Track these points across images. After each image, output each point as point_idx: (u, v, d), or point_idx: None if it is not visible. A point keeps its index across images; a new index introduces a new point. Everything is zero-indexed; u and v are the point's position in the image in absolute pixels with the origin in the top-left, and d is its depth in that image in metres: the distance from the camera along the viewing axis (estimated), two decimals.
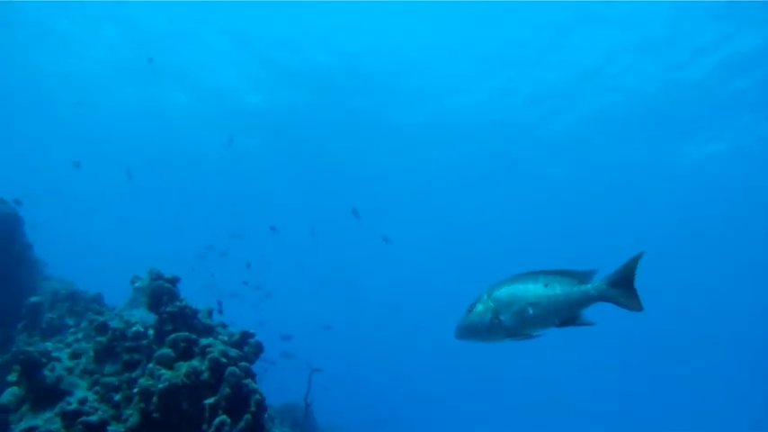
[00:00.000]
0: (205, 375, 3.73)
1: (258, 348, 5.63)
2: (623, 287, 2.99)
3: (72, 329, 7.64)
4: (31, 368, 4.93)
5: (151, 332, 5.06)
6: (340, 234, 37.13)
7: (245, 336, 5.60)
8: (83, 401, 4.83)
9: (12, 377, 5.19)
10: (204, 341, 3.94)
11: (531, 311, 3.06)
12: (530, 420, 33.74)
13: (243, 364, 3.84)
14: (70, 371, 5.15)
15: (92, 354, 5.13)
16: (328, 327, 26.74)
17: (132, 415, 3.78)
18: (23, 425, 4.87)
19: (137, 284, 5.57)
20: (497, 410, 36.40)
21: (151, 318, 5.24)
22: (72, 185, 34.83)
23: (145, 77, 22.97)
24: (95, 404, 4.80)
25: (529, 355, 40.67)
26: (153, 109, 25.35)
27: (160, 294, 5.07)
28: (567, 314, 3.08)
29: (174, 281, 5.37)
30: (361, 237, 34.22)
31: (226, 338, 5.67)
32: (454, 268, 39.09)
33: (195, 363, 3.79)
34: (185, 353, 3.91)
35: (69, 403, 4.85)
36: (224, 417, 3.54)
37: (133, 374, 4.88)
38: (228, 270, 19.10)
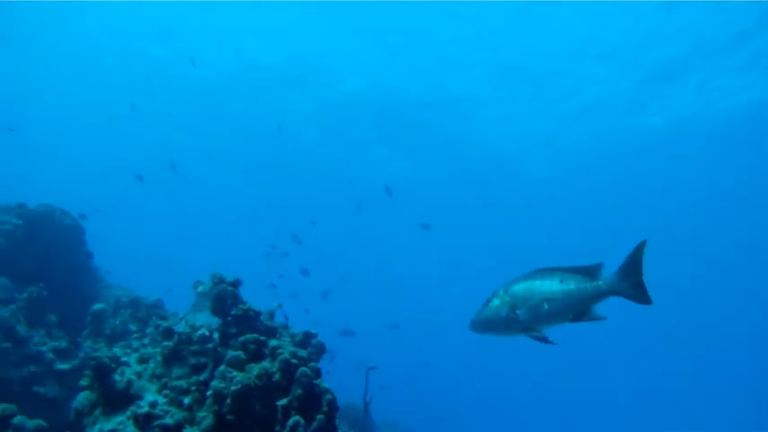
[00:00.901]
0: (276, 377, 3.75)
1: (321, 349, 5.65)
2: (632, 281, 3.04)
3: (135, 335, 7.81)
4: (103, 373, 5.03)
5: (216, 335, 5.11)
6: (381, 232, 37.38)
7: (308, 336, 5.63)
8: (153, 405, 4.91)
9: (84, 382, 5.31)
10: (273, 343, 3.96)
11: (546, 306, 3.13)
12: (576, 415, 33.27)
13: (312, 364, 3.86)
14: (139, 375, 5.23)
15: (159, 358, 5.21)
16: (395, 326, 26.24)
17: (206, 417, 3.82)
18: (97, 428, 4.99)
19: (199, 289, 5.64)
20: (543, 407, 36.01)
21: (215, 321, 5.30)
22: (134, 194, 36.02)
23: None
24: (166, 407, 4.88)
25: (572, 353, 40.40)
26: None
27: (224, 298, 5.12)
28: (580, 309, 3.15)
29: (237, 284, 5.42)
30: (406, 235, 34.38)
31: (288, 340, 5.72)
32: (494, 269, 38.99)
33: (266, 364, 3.82)
34: (255, 355, 3.94)
35: (140, 407, 4.94)
36: (297, 417, 3.55)
37: (201, 377, 4.94)
38: (289, 270, 19.38)
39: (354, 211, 26.69)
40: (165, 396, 4.94)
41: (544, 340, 3.22)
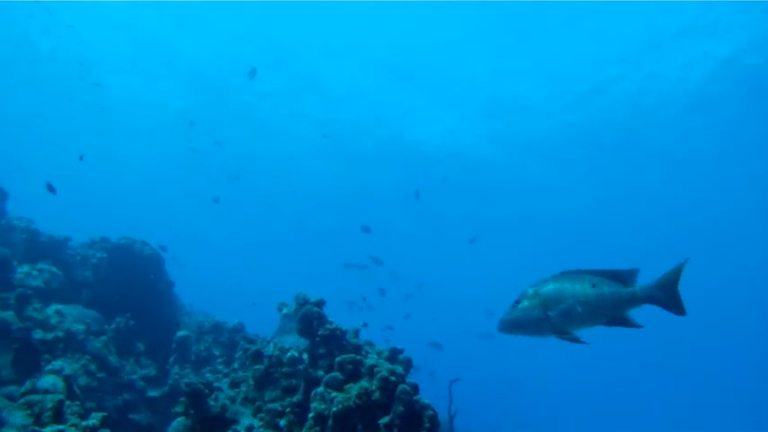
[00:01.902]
0: (376, 395, 3.74)
1: (408, 364, 5.62)
2: (669, 292, 3.09)
3: (219, 359, 7.96)
4: (197, 399, 5.11)
5: (306, 356, 5.15)
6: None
7: (395, 352, 5.61)
8: (249, 428, 4.97)
9: (178, 408, 5.42)
10: (370, 361, 3.95)
11: (579, 309, 3.13)
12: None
13: (411, 381, 3.83)
14: (233, 399, 5.31)
15: (251, 381, 5.27)
16: (488, 336, 25.77)
17: None
18: None
19: (284, 311, 5.70)
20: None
21: (303, 342, 5.34)
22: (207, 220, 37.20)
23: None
24: (261, 430, 4.94)
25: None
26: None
27: (310, 319, 5.15)
28: (613, 314, 3.17)
29: (321, 304, 5.45)
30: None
31: (375, 356, 5.72)
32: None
33: (365, 383, 3.81)
34: (353, 374, 3.95)
35: (236, 431, 5.02)
36: None
37: (294, 399, 4.98)
38: (368, 285, 19.63)
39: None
40: (261, 419, 4.99)
41: (576, 341, 3.24)
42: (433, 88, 21.78)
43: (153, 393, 7.65)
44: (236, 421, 5.07)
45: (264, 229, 42.19)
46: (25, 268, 7.86)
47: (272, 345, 5.40)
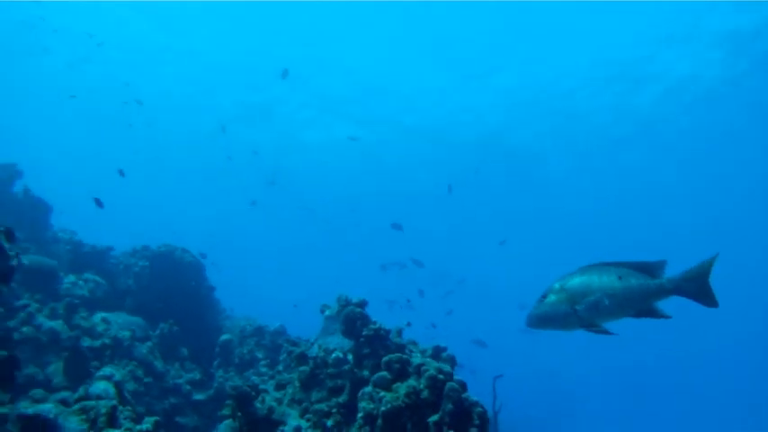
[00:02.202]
0: (425, 393, 3.73)
1: (452, 362, 5.61)
2: (698, 283, 3.08)
3: (263, 362, 8.03)
4: (244, 401, 5.17)
5: (350, 357, 5.16)
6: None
7: (438, 350, 5.60)
8: (297, 429, 5.01)
9: (225, 411, 5.48)
10: (416, 360, 3.95)
11: (606, 302, 3.13)
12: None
13: (458, 378, 3.82)
14: (279, 401, 5.35)
15: (297, 383, 5.31)
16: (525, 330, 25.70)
17: None
18: None
19: (326, 313, 5.73)
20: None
21: (347, 343, 5.36)
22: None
23: None
24: (309, 431, 4.97)
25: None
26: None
27: (353, 320, 5.17)
28: (641, 306, 3.16)
29: (363, 304, 5.47)
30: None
31: (419, 355, 5.72)
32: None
33: (413, 382, 3.81)
34: (401, 373, 3.95)
35: None
36: None
37: (340, 399, 5.00)
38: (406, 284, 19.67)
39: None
40: (308, 420, 5.02)
41: (604, 332, 3.25)
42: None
43: (198, 397, 7.75)
44: (283, 422, 5.11)
45: (301, 233, 42.55)
46: (71, 278, 8.02)
47: (316, 346, 5.43)
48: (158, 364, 7.55)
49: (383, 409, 3.73)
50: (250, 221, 39.56)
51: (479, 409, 3.71)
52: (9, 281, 4.12)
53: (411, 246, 29.46)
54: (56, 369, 6.53)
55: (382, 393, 3.84)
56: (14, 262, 4.07)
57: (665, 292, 3.14)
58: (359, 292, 5.90)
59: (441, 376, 3.75)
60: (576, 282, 3.22)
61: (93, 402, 3.73)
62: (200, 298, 8.77)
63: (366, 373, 5.15)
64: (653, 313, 3.19)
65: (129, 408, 4.36)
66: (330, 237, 41.32)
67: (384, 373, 3.97)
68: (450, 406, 3.65)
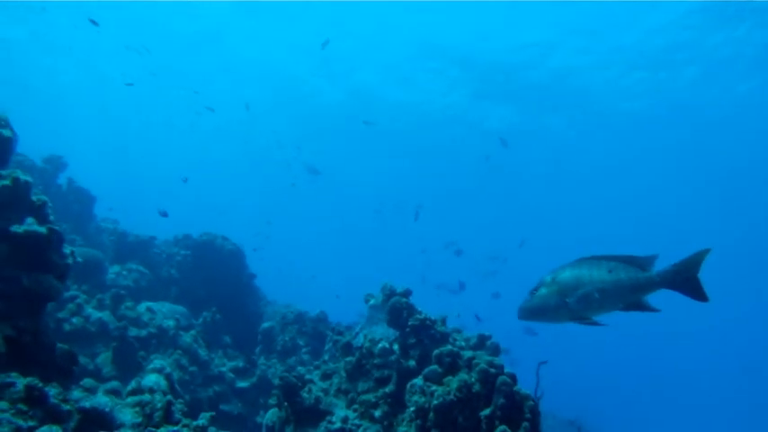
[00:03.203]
0: (476, 387, 3.72)
1: (496, 350, 5.58)
2: (688, 277, 3.10)
3: (304, 349, 8.09)
4: (291, 392, 5.22)
5: (396, 347, 5.17)
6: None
7: (482, 338, 5.58)
8: (345, 420, 5.04)
9: (272, 400, 5.55)
10: (467, 354, 3.94)
11: (597, 296, 3.18)
12: None
13: (509, 371, 3.79)
14: (326, 392, 5.39)
15: (343, 374, 5.33)
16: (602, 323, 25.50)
17: (408, 431, 3.86)
18: None
19: (371, 302, 5.74)
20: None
21: (391, 333, 5.37)
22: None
23: None
24: (357, 421, 4.99)
25: None
26: None
27: (399, 310, 5.17)
28: (630, 299, 3.22)
29: (407, 294, 5.46)
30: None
31: (463, 344, 5.69)
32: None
33: (464, 376, 3.79)
34: (452, 367, 3.94)
35: (332, 422, 5.09)
36: (504, 427, 3.49)
37: (387, 389, 5.01)
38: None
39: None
40: (355, 410, 5.05)
41: (594, 324, 3.31)
42: None
43: (242, 384, 7.85)
44: (330, 413, 5.15)
45: (340, 221, 42.86)
46: (115, 268, 8.16)
47: (361, 336, 5.44)
48: (202, 353, 7.66)
49: (435, 402, 3.73)
50: (291, 209, 39.94)
51: (530, 402, 3.69)
52: (65, 279, 4.20)
53: (455, 231, 29.44)
54: (105, 359, 6.67)
55: (434, 387, 3.83)
56: (70, 260, 4.14)
57: (654, 285, 3.18)
58: (399, 277, 5.90)
59: (492, 370, 3.73)
60: (567, 275, 3.28)
61: (148, 397, 3.79)
62: (241, 285, 8.86)
63: (412, 363, 5.15)
64: (642, 306, 3.25)
65: (182, 401, 4.42)
66: (369, 224, 41.47)
67: (435, 366, 3.96)
68: (501, 400, 3.63)
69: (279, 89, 24.74)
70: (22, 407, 3.21)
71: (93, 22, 12.20)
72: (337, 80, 23.47)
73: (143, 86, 23.93)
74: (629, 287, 3.18)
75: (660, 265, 3.21)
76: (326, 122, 27.36)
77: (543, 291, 3.32)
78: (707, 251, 3.09)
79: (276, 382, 6.04)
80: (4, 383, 3.25)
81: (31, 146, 8.68)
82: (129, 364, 6.61)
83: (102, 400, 4.03)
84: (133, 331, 7.02)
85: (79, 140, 34.79)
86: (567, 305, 3.24)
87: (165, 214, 8.90)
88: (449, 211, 34.44)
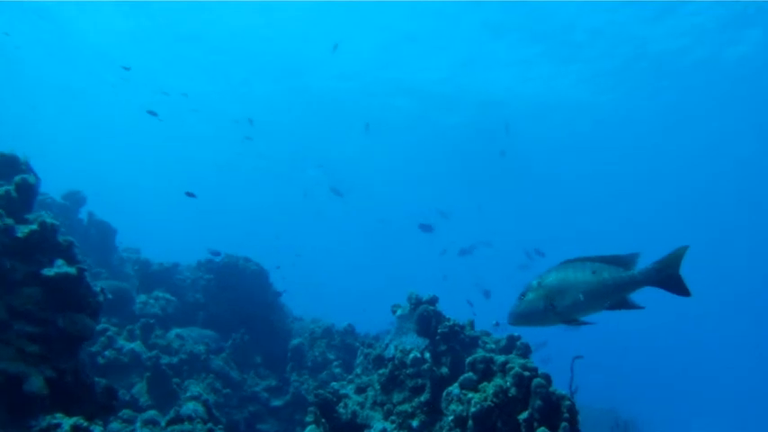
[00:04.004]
0: (512, 391, 3.74)
1: (526, 350, 5.59)
2: (669, 273, 3.20)
3: (335, 363, 8.13)
4: (327, 408, 5.26)
5: (428, 355, 5.19)
6: None
7: (512, 340, 5.59)
8: None
9: (308, 418, 5.58)
10: (499, 358, 3.96)
11: (582, 297, 3.26)
12: None
13: (543, 372, 3.81)
14: (362, 405, 5.42)
15: (377, 386, 5.36)
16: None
17: None
18: None
19: (398, 312, 5.77)
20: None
21: (421, 341, 5.40)
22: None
23: None
24: None
25: None
26: None
27: (428, 318, 5.20)
28: (615, 298, 3.31)
29: (434, 301, 5.49)
30: None
31: (493, 346, 5.71)
32: None
33: (499, 381, 3.82)
34: (486, 373, 3.96)
35: None
36: (544, 429, 3.51)
37: (422, 398, 5.03)
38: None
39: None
40: (393, 422, 5.07)
41: (582, 324, 3.40)
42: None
43: (276, 403, 7.91)
44: (368, 426, 5.18)
45: (356, 235, 43.10)
46: (142, 298, 8.25)
47: (392, 347, 5.47)
48: (234, 374, 7.73)
49: (473, 410, 3.75)
50: (305, 224, 40.21)
51: (567, 402, 3.69)
52: (98, 316, 4.27)
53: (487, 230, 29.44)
54: (140, 389, 6.75)
55: (470, 395, 3.85)
56: (101, 298, 4.21)
57: (637, 283, 3.27)
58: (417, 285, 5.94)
59: (526, 373, 3.74)
60: (553, 278, 3.36)
61: (189, 426, 3.84)
62: (267, 304, 8.92)
63: (445, 370, 5.17)
64: (627, 305, 3.34)
65: (221, 426, 4.48)
66: (383, 233, 41.63)
67: (470, 374, 3.99)
68: (538, 402, 3.65)
69: (293, 89, 24.78)
70: None
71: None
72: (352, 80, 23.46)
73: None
74: (613, 287, 3.28)
75: (642, 263, 3.31)
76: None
77: (531, 295, 3.41)
78: (686, 248, 3.20)
79: (311, 398, 6.09)
80: (50, 425, 3.32)
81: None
82: (164, 392, 6.68)
83: None
84: (165, 359, 7.10)
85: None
86: (554, 308, 3.33)
87: (192, 194, 8.91)
88: (470, 212, 34.35)
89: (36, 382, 3.67)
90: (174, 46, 20.74)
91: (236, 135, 23.18)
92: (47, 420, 3.38)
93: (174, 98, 20.88)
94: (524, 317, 3.45)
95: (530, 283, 3.46)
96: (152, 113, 12.34)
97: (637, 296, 3.36)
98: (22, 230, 3.96)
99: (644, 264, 3.30)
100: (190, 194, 8.86)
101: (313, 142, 28.61)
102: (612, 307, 3.36)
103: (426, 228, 16.88)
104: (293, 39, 20.07)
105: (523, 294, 3.45)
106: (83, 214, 9.19)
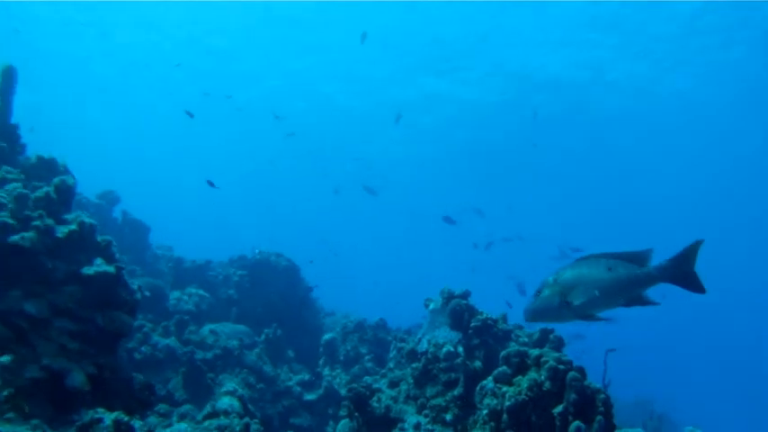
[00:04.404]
0: (547, 385, 3.73)
1: (559, 343, 5.57)
2: (684, 270, 3.22)
3: (367, 357, 8.17)
4: (361, 402, 5.30)
5: (461, 349, 5.20)
6: None
7: (545, 333, 5.58)
8: (417, 426, 5.09)
9: (342, 412, 5.63)
10: (534, 352, 3.95)
11: (597, 293, 3.30)
12: None
13: (578, 365, 3.80)
14: (395, 399, 5.45)
15: (411, 380, 5.39)
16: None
17: None
18: None
19: (431, 307, 5.77)
20: None
21: (454, 335, 5.40)
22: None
23: None
24: (430, 426, 5.05)
25: None
26: None
27: (461, 312, 5.22)
28: (630, 294, 3.35)
29: (467, 295, 5.50)
30: None
31: (526, 339, 5.70)
32: None
33: (533, 375, 3.81)
34: (520, 367, 3.96)
35: (404, 429, 5.15)
36: (578, 422, 3.49)
37: (455, 392, 5.05)
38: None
39: None
40: (426, 416, 5.10)
41: (598, 320, 3.46)
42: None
43: (309, 397, 7.97)
44: (401, 419, 5.20)
45: (386, 227, 43.21)
46: (176, 294, 8.38)
47: (425, 341, 5.49)
48: (268, 369, 7.81)
49: (507, 404, 3.75)
50: (337, 218, 40.43)
51: (602, 395, 3.68)
52: (135, 313, 4.37)
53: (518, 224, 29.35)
54: (175, 384, 6.86)
55: (504, 388, 3.85)
56: (138, 295, 4.30)
57: (652, 279, 3.30)
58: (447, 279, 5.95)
59: (561, 366, 3.73)
60: (569, 275, 3.41)
61: (226, 420, 3.91)
62: (299, 299, 9.01)
63: (478, 363, 5.18)
64: (643, 301, 3.39)
65: (257, 420, 4.54)
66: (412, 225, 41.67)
67: (504, 367, 3.98)
68: (573, 396, 3.63)
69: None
70: None
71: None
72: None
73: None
74: (629, 283, 3.31)
75: (656, 259, 3.34)
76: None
77: (546, 292, 3.45)
78: (700, 242, 3.21)
79: (344, 392, 6.13)
80: (93, 420, 3.40)
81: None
82: (198, 387, 6.78)
83: (181, 426, 4.18)
84: (199, 354, 7.20)
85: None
86: (569, 305, 3.37)
87: (212, 184, 9.02)
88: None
89: (78, 378, 3.77)
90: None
91: (279, 132, 23.30)
92: (89, 415, 3.47)
93: (215, 97, 21.21)
94: (541, 313, 3.53)
95: (545, 280, 3.51)
96: (191, 115, 12.46)
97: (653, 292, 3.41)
98: (62, 231, 4.05)
99: (659, 260, 3.33)
100: (211, 184, 8.94)
101: (348, 136, 28.76)
102: (628, 303, 3.40)
103: (449, 220, 16.92)
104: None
105: (539, 291, 3.50)
106: (117, 213, 9.34)
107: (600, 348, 7.38)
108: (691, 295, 3.35)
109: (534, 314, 3.56)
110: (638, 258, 3.33)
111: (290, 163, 32.91)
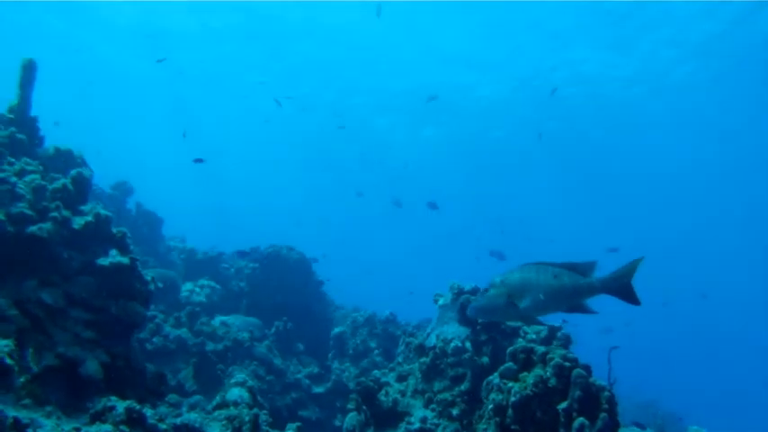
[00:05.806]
0: (552, 382, 3.76)
1: (567, 341, 5.59)
2: (623, 284, 3.43)
3: (376, 351, 8.23)
4: (369, 396, 5.35)
5: (469, 345, 5.25)
6: None
7: (553, 330, 5.60)
8: (423, 420, 5.14)
9: (350, 405, 5.69)
10: (540, 348, 3.98)
11: (542, 298, 3.46)
12: None
13: (583, 363, 3.83)
14: (403, 393, 5.50)
15: (418, 374, 5.44)
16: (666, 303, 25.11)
17: (488, 429, 3.93)
18: None
19: (440, 302, 5.81)
20: None
21: (462, 331, 5.45)
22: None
23: None
24: (436, 420, 5.10)
25: None
26: None
27: None
28: (572, 302, 3.53)
29: (476, 291, 5.53)
30: None
31: (533, 336, 5.72)
32: None
33: (539, 371, 3.85)
34: (526, 363, 4.00)
35: (411, 423, 5.20)
36: (582, 419, 3.53)
37: (462, 387, 5.09)
38: None
39: None
40: (433, 410, 5.15)
41: (538, 323, 3.75)
42: None
43: (318, 390, 8.05)
44: (408, 413, 5.26)
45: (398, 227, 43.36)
46: (188, 285, 8.48)
47: (433, 336, 5.54)
48: (277, 362, 7.89)
49: (513, 399, 3.79)
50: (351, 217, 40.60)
51: (607, 393, 3.70)
52: (149, 303, 4.44)
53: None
54: (186, 374, 6.95)
55: (510, 384, 3.90)
56: (152, 286, 4.37)
57: (594, 290, 3.48)
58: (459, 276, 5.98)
59: (567, 363, 3.76)
60: (516, 278, 3.55)
61: (236, 411, 3.98)
62: (310, 293, 9.08)
63: (486, 359, 5.22)
64: (583, 309, 3.56)
65: (266, 411, 4.61)
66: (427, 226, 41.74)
67: (510, 363, 4.03)
68: (578, 392, 3.67)
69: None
70: (124, 429, 3.43)
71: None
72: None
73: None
74: (572, 291, 3.48)
75: (599, 272, 3.52)
76: None
77: (493, 291, 3.59)
78: (639, 260, 3.39)
79: (352, 386, 6.20)
80: (106, 407, 3.47)
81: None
82: (209, 378, 6.87)
83: (192, 416, 4.24)
84: (210, 345, 7.29)
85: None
86: (514, 306, 3.52)
87: (200, 160, 9.07)
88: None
89: (92, 366, 3.85)
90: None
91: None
92: (102, 402, 3.54)
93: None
94: (485, 310, 3.70)
95: (493, 280, 3.64)
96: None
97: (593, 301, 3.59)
98: (78, 222, 4.13)
99: (600, 273, 3.51)
100: (198, 161, 8.99)
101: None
102: (570, 310, 3.57)
103: (432, 205, 17.14)
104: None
105: (486, 290, 3.65)
106: (131, 204, 9.44)
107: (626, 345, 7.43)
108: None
109: (480, 311, 3.73)
110: (582, 269, 3.51)
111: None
